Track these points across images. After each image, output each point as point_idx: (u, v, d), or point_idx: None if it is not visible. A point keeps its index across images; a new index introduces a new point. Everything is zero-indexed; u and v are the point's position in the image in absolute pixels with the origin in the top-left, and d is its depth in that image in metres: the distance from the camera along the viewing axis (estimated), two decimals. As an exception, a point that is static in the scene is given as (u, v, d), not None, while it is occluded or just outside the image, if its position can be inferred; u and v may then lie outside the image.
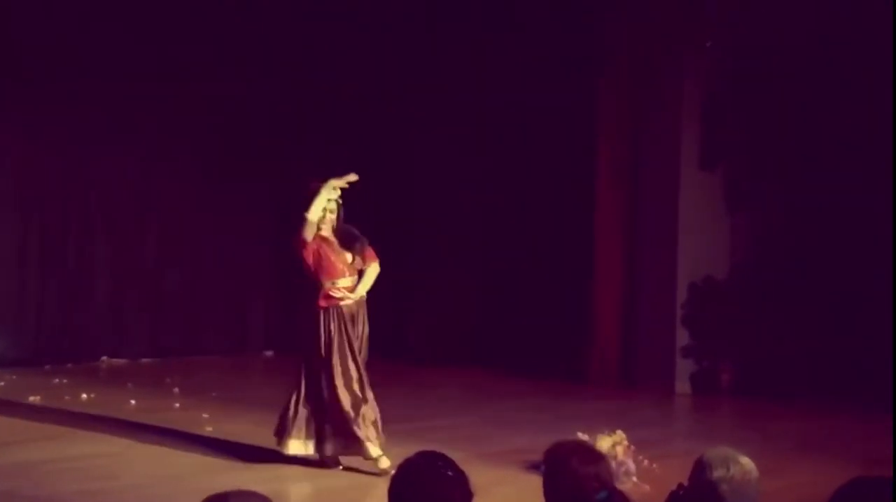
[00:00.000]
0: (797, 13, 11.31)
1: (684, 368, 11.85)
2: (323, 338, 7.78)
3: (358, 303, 7.98)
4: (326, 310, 7.84)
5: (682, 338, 11.85)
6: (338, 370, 7.73)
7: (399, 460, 3.29)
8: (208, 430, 8.88)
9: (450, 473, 3.18)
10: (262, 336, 14.04)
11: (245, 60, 13.36)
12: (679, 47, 11.76)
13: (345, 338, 7.80)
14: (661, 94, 11.86)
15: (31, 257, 12.32)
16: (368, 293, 8.09)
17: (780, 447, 8.77)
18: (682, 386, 11.80)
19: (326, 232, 7.95)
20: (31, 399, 10.27)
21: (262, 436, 8.43)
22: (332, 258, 7.90)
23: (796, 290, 11.73)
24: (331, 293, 7.84)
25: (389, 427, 9.06)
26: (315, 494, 7.33)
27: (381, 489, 3.29)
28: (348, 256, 8.00)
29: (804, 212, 11.97)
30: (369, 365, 8.05)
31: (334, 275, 7.89)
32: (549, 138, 12.83)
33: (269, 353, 13.95)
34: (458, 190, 13.67)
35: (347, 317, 7.86)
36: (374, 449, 7.48)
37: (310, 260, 7.86)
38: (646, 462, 7.97)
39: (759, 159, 12.00)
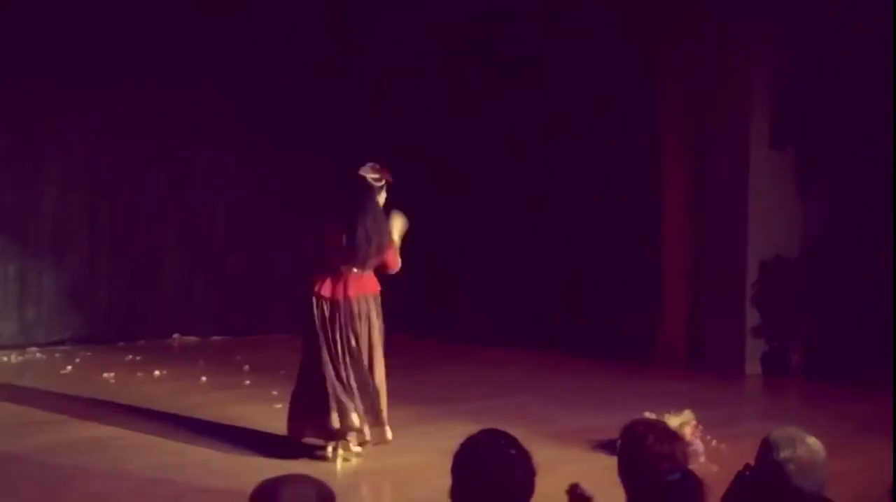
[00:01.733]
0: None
1: (754, 349, 11.74)
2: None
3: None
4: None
5: (753, 318, 11.73)
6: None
7: (462, 438, 3.31)
8: (277, 407, 8.96)
9: (512, 451, 3.19)
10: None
11: (302, 46, 13.47)
12: (747, 26, 11.61)
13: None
14: (730, 73, 11.72)
15: (104, 238, 12.52)
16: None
17: (849, 429, 8.67)
18: (752, 366, 11.69)
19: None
20: (105, 375, 10.46)
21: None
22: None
23: (867, 271, 11.55)
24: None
25: (454, 406, 9.16)
26: (374, 472, 7.37)
27: (438, 466, 3.30)
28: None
29: (876, 194, 11.77)
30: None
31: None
32: (613, 116, 12.73)
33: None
34: (522, 168, 13.66)
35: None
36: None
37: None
38: (714, 442, 7.94)
39: (830, 140, 11.82)
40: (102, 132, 12.35)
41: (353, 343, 7.52)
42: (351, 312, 7.53)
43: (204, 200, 13.21)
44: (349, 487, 7.01)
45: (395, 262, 7.77)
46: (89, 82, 12.07)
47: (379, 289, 7.78)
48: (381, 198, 7.74)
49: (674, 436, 3.76)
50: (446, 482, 3.26)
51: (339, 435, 7.42)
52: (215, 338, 13.09)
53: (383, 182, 7.74)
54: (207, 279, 13.22)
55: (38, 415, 8.68)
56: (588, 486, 3.89)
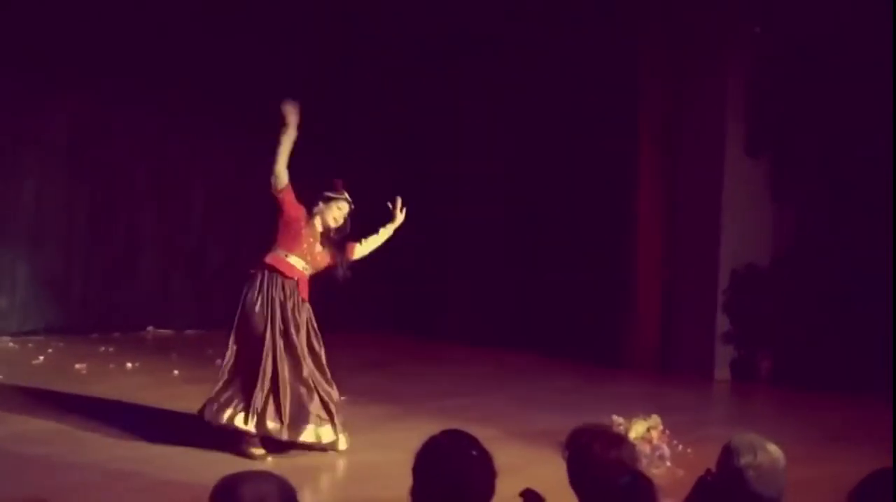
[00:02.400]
0: None
1: (724, 355, 11.83)
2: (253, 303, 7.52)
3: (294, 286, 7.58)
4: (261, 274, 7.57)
5: (723, 324, 11.82)
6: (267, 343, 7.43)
7: (424, 438, 3.33)
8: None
9: (474, 452, 3.20)
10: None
11: (291, 38, 13.46)
12: (724, 32, 11.68)
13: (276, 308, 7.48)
14: (706, 80, 11.79)
15: (80, 229, 12.48)
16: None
17: (816, 436, 8.75)
18: (722, 372, 11.77)
19: (319, 223, 7.70)
20: (77, 366, 10.43)
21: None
22: (303, 235, 7.63)
23: (838, 280, 11.65)
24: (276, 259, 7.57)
25: (424, 404, 9.18)
26: (337, 469, 7.39)
27: (404, 465, 3.32)
28: (319, 247, 7.69)
29: (848, 202, 11.87)
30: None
31: (292, 249, 7.62)
32: (590, 122, 12.80)
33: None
34: (500, 173, 13.72)
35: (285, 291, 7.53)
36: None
37: (289, 210, 7.60)
38: (680, 446, 7.98)
39: (805, 148, 11.90)
40: (81, 123, 12.31)
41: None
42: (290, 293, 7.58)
43: (182, 193, 13.19)
44: (311, 484, 7.03)
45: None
46: (68, 72, 12.03)
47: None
48: (328, 206, 7.72)
49: (620, 441, 3.77)
50: (409, 481, 3.28)
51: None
52: (189, 331, 13.06)
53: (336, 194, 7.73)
54: (184, 272, 13.20)
55: (7, 404, 8.63)
56: (552, 489, 3.90)
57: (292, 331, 7.49)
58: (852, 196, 11.78)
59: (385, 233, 7.99)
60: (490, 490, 3.19)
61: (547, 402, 9.89)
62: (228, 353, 7.57)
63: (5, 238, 11.96)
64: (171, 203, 13.07)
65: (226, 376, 7.53)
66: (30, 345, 11.54)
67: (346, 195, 7.77)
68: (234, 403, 7.42)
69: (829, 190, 11.92)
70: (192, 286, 13.28)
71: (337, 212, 7.70)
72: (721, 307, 11.79)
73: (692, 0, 11.80)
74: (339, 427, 7.55)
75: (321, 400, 7.50)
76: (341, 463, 7.50)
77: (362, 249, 7.93)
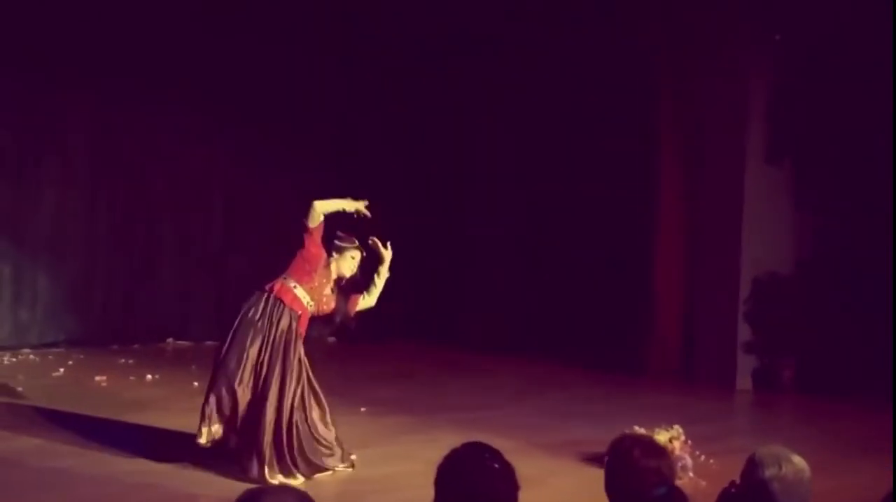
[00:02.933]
0: (866, 5, 11.13)
1: (746, 364, 11.75)
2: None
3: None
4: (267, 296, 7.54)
5: (745, 333, 11.74)
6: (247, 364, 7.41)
7: (446, 450, 3.30)
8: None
9: (496, 465, 3.17)
10: (324, 322, 14.10)
11: (309, 48, 13.49)
12: (745, 39, 11.64)
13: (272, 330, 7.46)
14: (726, 88, 11.74)
15: (100, 241, 12.51)
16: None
17: (840, 446, 8.68)
18: (744, 382, 11.70)
19: (334, 271, 7.65)
20: (97, 379, 10.45)
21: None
22: (317, 274, 7.58)
23: (861, 288, 11.57)
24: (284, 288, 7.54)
25: (446, 415, 9.15)
26: (358, 481, 7.36)
27: (427, 477, 3.29)
28: (329, 291, 7.66)
29: (870, 209, 11.79)
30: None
31: (302, 281, 7.57)
32: (609, 130, 12.78)
33: (331, 339, 14.03)
34: (517, 179, 13.70)
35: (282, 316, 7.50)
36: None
37: (310, 247, 7.55)
38: (703, 457, 7.93)
39: (826, 155, 11.83)
40: (100, 134, 12.34)
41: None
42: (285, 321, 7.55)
43: (202, 205, 13.21)
44: (332, 497, 7.01)
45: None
46: (86, 82, 12.07)
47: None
48: (342, 256, 7.66)
49: (660, 451, 3.74)
50: (430, 494, 3.26)
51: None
52: (209, 342, 13.04)
53: (346, 243, 7.69)
54: (203, 283, 13.21)
55: (27, 417, 8.65)
56: (576, 500, 3.88)
57: (285, 359, 7.42)
58: (874, 203, 11.70)
59: (381, 277, 7.82)
60: (513, 502, 3.16)
61: (569, 413, 9.86)
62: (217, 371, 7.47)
63: (26, 250, 12.00)
64: (190, 215, 13.09)
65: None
66: (50, 357, 11.57)
67: (356, 243, 7.71)
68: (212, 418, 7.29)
69: (851, 197, 11.84)
70: (212, 298, 13.28)
71: (351, 261, 7.67)
72: (743, 316, 11.71)
73: (712, 8, 11.74)
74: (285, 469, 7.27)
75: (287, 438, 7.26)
76: (363, 476, 7.47)
77: (366, 302, 7.85)
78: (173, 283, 13.03)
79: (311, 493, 2.91)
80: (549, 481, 6.95)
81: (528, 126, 13.57)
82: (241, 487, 2.96)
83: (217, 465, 7.37)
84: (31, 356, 11.61)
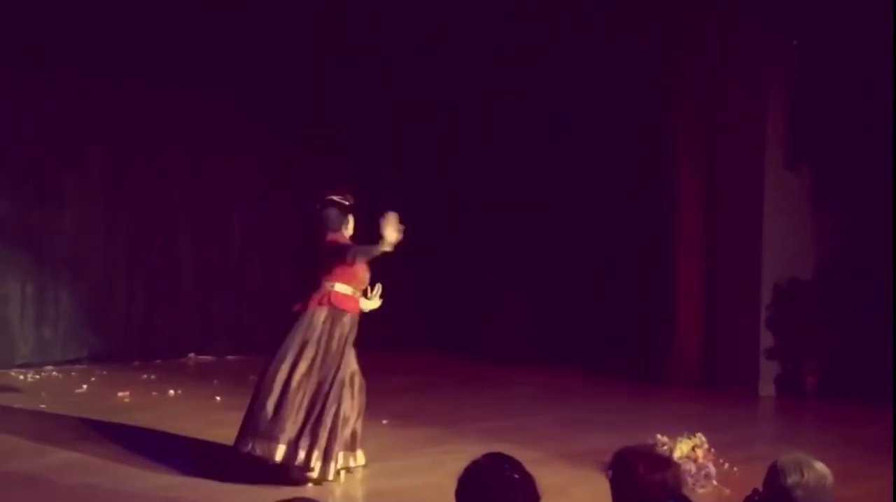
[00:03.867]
0: (884, 9, 11.10)
1: (768, 370, 11.71)
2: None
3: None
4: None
5: (767, 339, 11.70)
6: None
7: (467, 461, 3.30)
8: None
9: (516, 476, 3.16)
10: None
11: (328, 58, 13.54)
12: (762, 44, 11.62)
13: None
14: (744, 93, 11.73)
15: (120, 257, 12.55)
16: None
17: (864, 452, 8.64)
18: (766, 388, 11.66)
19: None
20: (120, 394, 10.48)
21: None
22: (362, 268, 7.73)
23: (883, 292, 11.51)
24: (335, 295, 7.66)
25: (466, 426, 9.15)
26: (380, 493, 7.37)
27: (448, 490, 3.29)
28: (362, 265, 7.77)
29: (890, 213, 11.74)
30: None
31: (346, 280, 7.71)
32: (627, 136, 12.78)
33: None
34: (537, 189, 13.69)
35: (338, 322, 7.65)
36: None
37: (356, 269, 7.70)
38: (726, 465, 7.90)
39: (846, 159, 11.80)
40: (119, 151, 12.39)
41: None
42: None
43: (221, 219, 13.24)
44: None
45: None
46: (105, 99, 12.12)
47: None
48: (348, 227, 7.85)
49: (665, 462, 3.72)
50: (452, 506, 3.26)
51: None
52: (230, 357, 13.11)
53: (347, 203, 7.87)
54: (224, 298, 13.24)
55: (52, 435, 8.69)
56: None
57: (339, 358, 7.55)
58: (893, 206, 11.65)
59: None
60: (534, 514, 3.15)
61: (590, 422, 9.84)
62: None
63: (47, 268, 12.05)
64: (209, 230, 13.13)
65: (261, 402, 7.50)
66: (73, 373, 11.62)
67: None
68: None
69: (871, 201, 11.80)
70: (233, 312, 13.32)
71: (351, 222, 7.90)
72: (764, 322, 11.67)
73: (729, 12, 11.73)
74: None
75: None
76: (385, 488, 7.48)
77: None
78: (194, 299, 13.06)
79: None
80: (570, 491, 6.94)
81: (547, 136, 13.57)
82: (266, 500, 2.96)
83: (242, 478, 7.40)
84: (54, 373, 11.66)
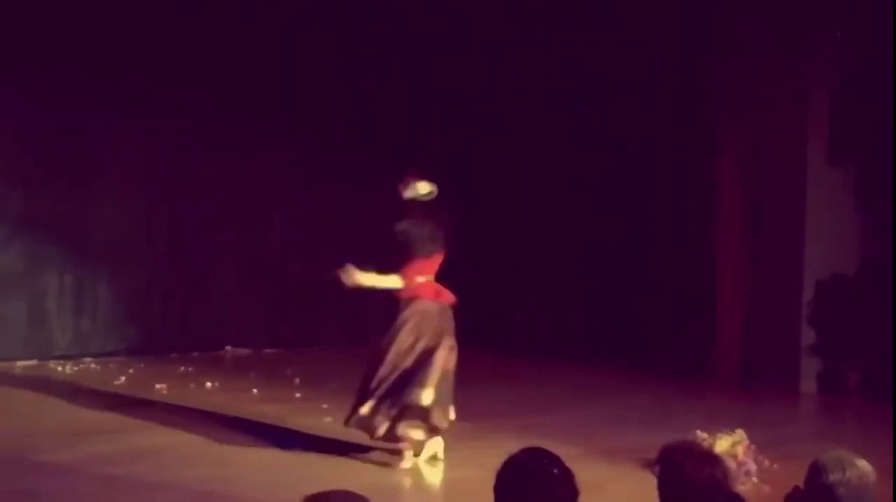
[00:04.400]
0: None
1: (810, 367, 11.61)
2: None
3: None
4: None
5: (809, 336, 11.60)
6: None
7: (504, 456, 3.26)
8: (327, 421, 8.98)
9: (555, 470, 3.13)
10: (382, 327, 14.12)
11: (360, 58, 13.54)
12: (805, 39, 11.50)
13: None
14: (787, 89, 11.61)
15: (159, 250, 12.61)
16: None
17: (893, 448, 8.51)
18: (808, 385, 11.55)
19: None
20: (158, 387, 10.53)
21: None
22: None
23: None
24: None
25: (505, 421, 9.11)
26: (421, 488, 7.36)
27: (487, 484, 3.25)
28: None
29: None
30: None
31: (428, 272, 7.91)
32: (669, 134, 12.69)
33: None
34: (573, 183, 13.63)
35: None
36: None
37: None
38: (767, 462, 7.82)
39: (890, 155, 11.64)
40: (159, 143, 12.45)
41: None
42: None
43: (260, 213, 13.29)
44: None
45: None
46: (146, 95, 12.16)
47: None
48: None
49: (713, 459, 3.65)
50: (490, 500, 3.22)
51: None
52: (267, 350, 13.15)
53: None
54: (261, 291, 13.28)
55: (91, 426, 8.75)
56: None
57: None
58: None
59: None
60: (572, 509, 3.11)
61: (628, 418, 9.78)
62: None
63: (87, 260, 12.12)
64: (248, 223, 13.17)
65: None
66: (111, 365, 11.68)
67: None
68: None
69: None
70: (270, 306, 13.35)
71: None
72: (806, 318, 11.57)
73: (773, 7, 11.61)
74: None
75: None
76: (421, 483, 7.45)
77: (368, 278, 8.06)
78: (231, 292, 13.10)
79: (375, 499, 2.90)
80: (607, 487, 6.88)
81: (586, 128, 13.48)
82: (300, 494, 2.93)
83: (278, 471, 7.40)
84: (93, 365, 11.74)
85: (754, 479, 7.47)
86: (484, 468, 3.33)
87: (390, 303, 8.01)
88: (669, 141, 12.74)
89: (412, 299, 7.78)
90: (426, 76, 13.92)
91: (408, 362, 7.65)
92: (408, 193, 7.98)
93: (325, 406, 9.67)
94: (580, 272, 13.77)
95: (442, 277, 8.05)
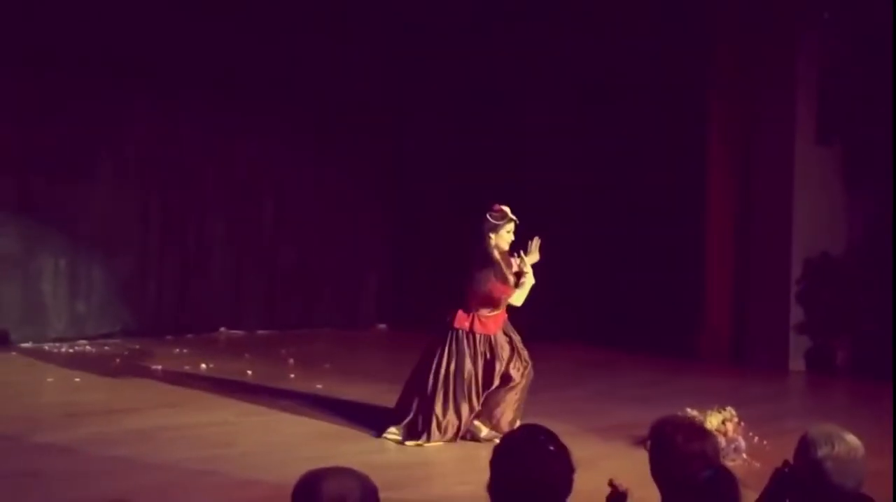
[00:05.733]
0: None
1: (799, 345, 11.70)
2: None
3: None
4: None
5: (797, 314, 11.69)
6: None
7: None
8: (320, 399, 9.05)
9: (551, 447, 3.17)
10: (374, 309, 14.23)
11: (350, 39, 13.55)
12: (793, 19, 11.55)
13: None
14: (775, 68, 11.67)
15: (153, 233, 12.66)
16: None
17: (892, 427, 8.60)
18: (796, 363, 11.65)
19: (499, 256, 8.06)
20: (153, 368, 10.58)
21: (371, 408, 8.63)
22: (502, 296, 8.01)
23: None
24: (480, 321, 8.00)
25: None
26: (417, 465, 7.42)
27: (483, 460, 3.33)
28: (510, 272, 8.08)
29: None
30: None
31: (488, 307, 8.05)
32: (659, 112, 12.73)
33: (382, 326, 14.14)
34: (571, 164, 13.65)
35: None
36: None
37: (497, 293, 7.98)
38: (756, 439, 7.91)
39: (879, 133, 11.72)
40: (152, 127, 12.47)
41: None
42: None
43: (252, 195, 13.34)
44: (391, 480, 7.05)
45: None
46: (139, 81, 12.18)
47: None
48: (499, 234, 8.04)
49: (703, 433, 3.71)
50: (486, 476, 3.28)
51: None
52: (261, 331, 13.22)
53: (500, 221, 8.06)
54: (255, 273, 13.34)
55: (87, 407, 8.79)
56: (626, 482, 3.89)
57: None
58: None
59: (528, 278, 8.25)
60: (568, 485, 3.16)
61: (622, 397, 9.87)
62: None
63: (81, 244, 12.16)
64: (241, 205, 13.21)
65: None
66: (106, 347, 11.74)
67: (507, 215, 8.12)
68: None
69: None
70: (264, 287, 13.42)
71: (507, 234, 8.08)
72: (795, 297, 11.66)
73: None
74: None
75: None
76: (421, 460, 7.53)
77: (514, 298, 8.18)
78: (225, 274, 13.17)
79: (371, 476, 2.96)
80: (600, 464, 6.94)
81: (577, 110, 13.51)
82: (297, 473, 3.00)
83: (274, 451, 7.48)
84: (88, 347, 11.79)
85: (744, 456, 7.55)
86: (479, 445, 3.44)
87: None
88: (658, 121, 12.77)
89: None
90: (423, 65, 13.93)
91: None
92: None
93: (319, 386, 9.76)
94: (574, 253, 13.81)
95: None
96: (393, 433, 7.89)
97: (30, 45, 11.54)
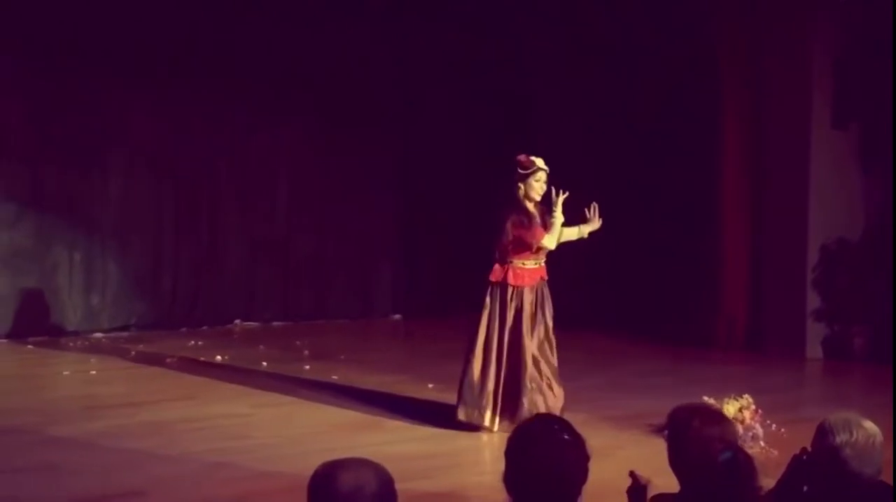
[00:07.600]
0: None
1: (816, 332, 11.64)
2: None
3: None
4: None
5: (814, 301, 11.62)
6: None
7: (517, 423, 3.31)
8: (337, 390, 9.05)
9: (566, 436, 3.16)
10: (389, 300, 14.22)
11: (363, 28, 13.52)
12: (809, 1, 11.47)
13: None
14: (791, 52, 11.59)
15: (167, 225, 12.67)
16: None
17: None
18: (814, 350, 11.59)
19: (531, 206, 8.09)
20: (168, 361, 10.59)
21: (387, 398, 8.61)
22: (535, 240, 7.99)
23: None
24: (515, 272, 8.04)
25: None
26: (436, 455, 7.41)
27: (498, 450, 3.31)
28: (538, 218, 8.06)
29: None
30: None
31: (524, 256, 8.07)
32: (673, 97, 12.67)
33: (396, 317, 14.13)
34: (583, 151, 13.61)
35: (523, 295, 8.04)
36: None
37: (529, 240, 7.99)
38: (773, 426, 7.87)
39: (894, 118, 11.64)
40: (166, 119, 12.47)
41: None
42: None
43: (266, 186, 13.33)
44: (409, 470, 7.05)
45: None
46: (151, 71, 12.18)
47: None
48: (528, 183, 8.07)
49: (720, 417, 3.69)
50: (502, 466, 3.27)
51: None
52: (276, 323, 13.23)
53: (528, 170, 8.07)
54: (269, 265, 13.34)
55: (103, 400, 8.81)
56: (644, 471, 3.87)
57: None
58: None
59: (578, 230, 8.35)
60: (583, 474, 3.15)
61: (637, 385, 9.84)
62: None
63: (95, 236, 12.18)
64: (255, 197, 13.22)
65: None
66: (121, 340, 11.77)
67: (536, 164, 8.09)
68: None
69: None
70: (278, 279, 13.42)
71: (536, 184, 8.07)
72: (811, 283, 11.58)
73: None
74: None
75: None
76: (436, 451, 7.51)
77: (548, 241, 8.12)
78: (239, 266, 13.17)
79: (387, 467, 2.94)
80: (616, 453, 6.95)
81: (589, 97, 13.47)
82: (313, 464, 2.98)
83: (291, 443, 7.48)
84: (103, 340, 11.82)
85: (762, 443, 7.52)
86: (496, 435, 3.42)
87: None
88: (673, 107, 12.72)
89: None
90: (436, 53, 13.89)
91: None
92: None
93: (335, 377, 9.76)
94: (587, 242, 13.75)
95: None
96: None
97: (44, 37, 11.55)
